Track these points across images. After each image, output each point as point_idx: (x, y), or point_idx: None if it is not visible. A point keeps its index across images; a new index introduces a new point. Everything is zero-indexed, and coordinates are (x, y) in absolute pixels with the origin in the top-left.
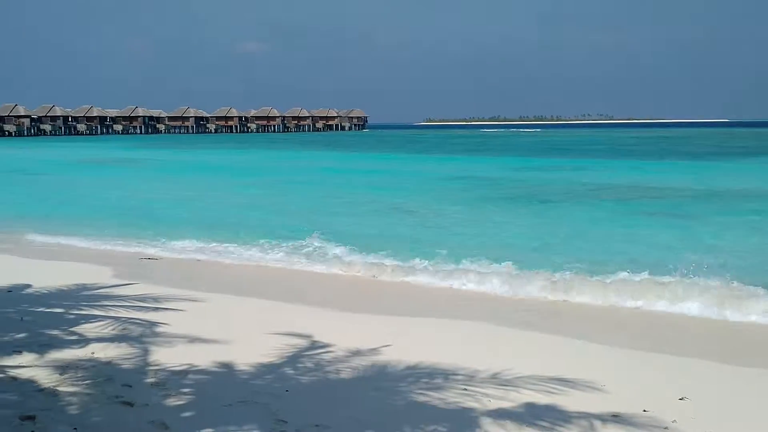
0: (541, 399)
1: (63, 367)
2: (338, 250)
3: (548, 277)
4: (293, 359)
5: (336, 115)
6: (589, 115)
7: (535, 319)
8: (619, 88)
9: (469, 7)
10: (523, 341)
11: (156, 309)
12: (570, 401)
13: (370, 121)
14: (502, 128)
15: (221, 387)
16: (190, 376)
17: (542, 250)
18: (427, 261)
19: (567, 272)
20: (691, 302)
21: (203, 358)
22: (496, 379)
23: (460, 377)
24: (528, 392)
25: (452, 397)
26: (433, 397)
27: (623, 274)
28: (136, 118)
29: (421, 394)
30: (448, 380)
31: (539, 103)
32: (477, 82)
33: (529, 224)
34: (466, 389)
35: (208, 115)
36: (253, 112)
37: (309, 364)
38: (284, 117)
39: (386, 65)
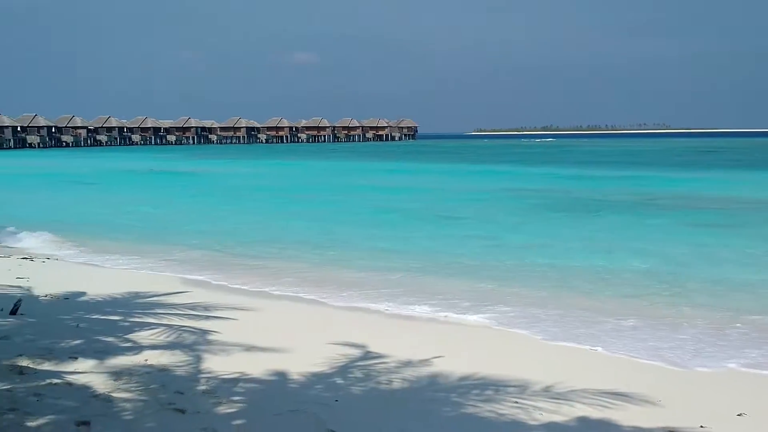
0: (595, 413)
1: (117, 374)
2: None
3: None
4: (344, 369)
5: (386, 125)
6: (645, 124)
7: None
8: (677, 97)
9: (521, 15)
10: (576, 354)
11: (208, 317)
12: (624, 416)
13: (420, 131)
14: (554, 138)
15: (271, 395)
16: (241, 384)
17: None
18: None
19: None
20: None
21: (254, 366)
22: (549, 393)
23: (511, 389)
24: (581, 406)
25: (503, 409)
26: (484, 409)
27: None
28: (188, 128)
29: (471, 405)
30: (499, 392)
31: (594, 113)
32: (529, 91)
33: (591, 236)
34: (517, 402)
35: (259, 126)
36: (303, 123)
37: (360, 374)
38: (334, 127)
39: (437, 75)
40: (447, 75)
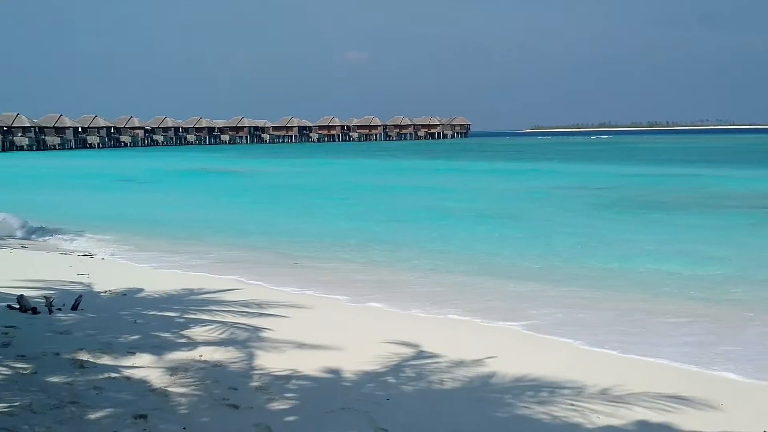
0: (654, 417)
1: (173, 369)
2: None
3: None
4: (397, 367)
5: (438, 123)
6: (707, 120)
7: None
8: (740, 92)
9: (575, 9)
10: (633, 359)
11: (260, 315)
12: (685, 420)
13: (473, 129)
14: (610, 135)
15: (323, 393)
16: (294, 381)
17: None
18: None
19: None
20: None
21: (306, 363)
22: (606, 395)
23: (567, 391)
24: (640, 410)
25: (558, 411)
26: (538, 411)
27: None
28: (242, 128)
29: (525, 407)
30: (554, 394)
31: (653, 109)
32: (585, 87)
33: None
34: (573, 404)
35: (311, 125)
36: (355, 121)
37: (412, 373)
38: (386, 126)
39: (490, 71)
40: (501, 71)
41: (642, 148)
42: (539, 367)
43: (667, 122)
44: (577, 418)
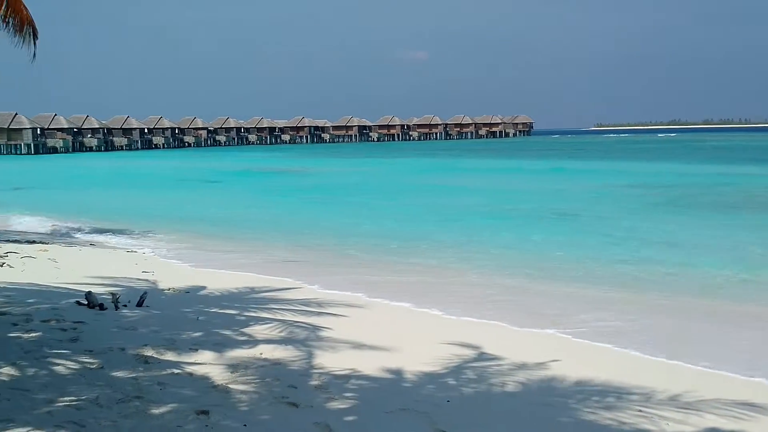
0: (726, 425)
1: (234, 366)
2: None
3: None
4: (457, 369)
5: (500, 121)
6: None
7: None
8: None
9: (644, 4)
10: (703, 365)
11: (320, 314)
12: (759, 428)
13: (536, 127)
14: (681, 132)
15: (383, 393)
16: (353, 380)
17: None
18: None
19: None
20: None
21: (366, 363)
22: (676, 402)
23: (635, 397)
24: (711, 417)
25: (626, 417)
26: (605, 417)
27: None
28: (302, 128)
29: (591, 412)
30: (621, 400)
31: (726, 106)
32: (652, 84)
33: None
34: (641, 410)
35: (371, 124)
36: (415, 120)
37: (473, 375)
38: (446, 124)
39: (553, 68)
40: (564, 68)
41: (710, 146)
42: (603, 372)
43: (740, 119)
44: (646, 425)
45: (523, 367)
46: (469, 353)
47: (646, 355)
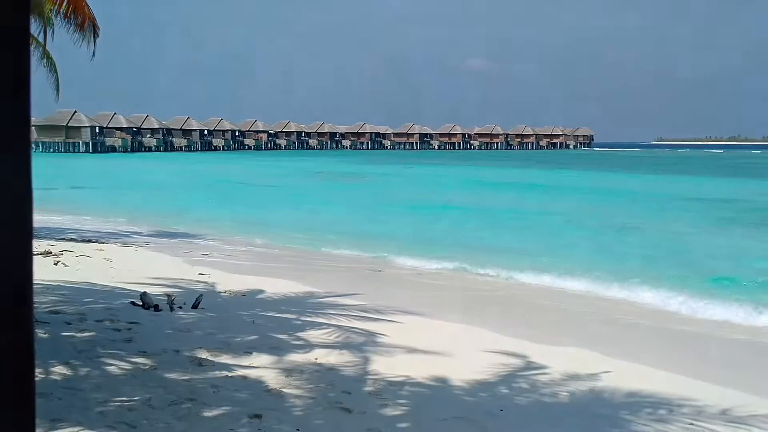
0: None
1: (289, 370)
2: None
3: None
4: (508, 379)
5: (561, 132)
6: None
7: None
8: None
9: (703, 19)
10: (758, 376)
11: (376, 320)
12: None
13: (596, 140)
14: (738, 149)
15: (437, 401)
16: (407, 387)
17: None
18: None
19: None
20: None
21: (420, 370)
22: (727, 416)
23: (686, 410)
24: None
25: (676, 430)
26: (656, 429)
27: None
28: (363, 134)
29: (643, 425)
30: (672, 412)
31: None
32: (713, 99)
33: None
34: (692, 424)
35: (432, 132)
36: (476, 129)
37: (524, 385)
38: (507, 134)
39: (616, 81)
40: (626, 81)
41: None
42: (656, 384)
43: None
44: None
45: (575, 377)
46: (520, 362)
47: (696, 367)
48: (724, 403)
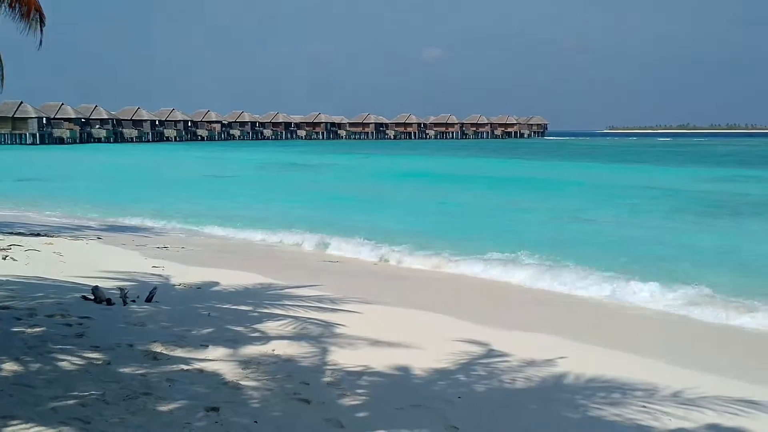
0: (726, 421)
1: (246, 362)
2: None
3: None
4: (467, 366)
5: (515, 122)
6: None
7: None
8: None
9: (652, 6)
10: (708, 361)
11: (333, 310)
12: (758, 425)
13: (550, 129)
14: (687, 137)
15: (395, 390)
16: (365, 377)
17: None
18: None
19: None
20: None
21: (378, 360)
22: (678, 398)
23: (639, 393)
24: (711, 413)
25: (630, 413)
26: (610, 413)
27: None
28: (318, 124)
29: (597, 408)
30: (626, 396)
31: (732, 111)
32: (663, 88)
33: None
34: (645, 406)
35: (388, 122)
36: (431, 119)
37: (483, 372)
38: (462, 124)
39: (567, 71)
40: (578, 71)
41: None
42: (610, 368)
43: (747, 125)
44: (649, 420)
45: (532, 363)
46: (480, 350)
47: (651, 352)
48: (676, 386)
